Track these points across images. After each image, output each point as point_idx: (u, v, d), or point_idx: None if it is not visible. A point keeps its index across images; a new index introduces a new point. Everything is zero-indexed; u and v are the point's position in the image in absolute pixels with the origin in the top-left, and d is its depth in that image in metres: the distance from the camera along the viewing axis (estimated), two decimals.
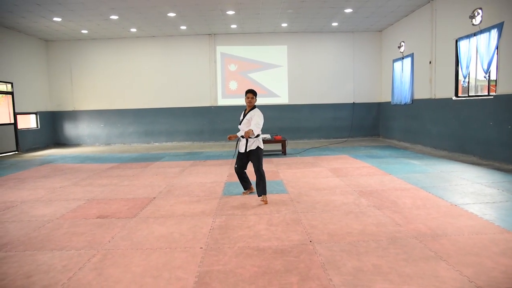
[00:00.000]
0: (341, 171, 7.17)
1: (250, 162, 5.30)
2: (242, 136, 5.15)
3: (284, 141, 9.94)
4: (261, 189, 5.08)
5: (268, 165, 7.97)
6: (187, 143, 13.85)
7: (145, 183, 6.59)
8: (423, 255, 3.20)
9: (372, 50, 13.92)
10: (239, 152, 5.34)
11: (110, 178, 7.15)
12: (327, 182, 6.28)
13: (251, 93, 5.23)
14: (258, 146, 5.17)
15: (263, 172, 5.13)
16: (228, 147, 12.13)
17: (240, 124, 5.29)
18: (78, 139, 14.10)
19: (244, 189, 5.60)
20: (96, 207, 5.09)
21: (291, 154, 9.97)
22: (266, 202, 5.06)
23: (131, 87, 13.88)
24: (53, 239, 3.84)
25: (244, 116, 5.29)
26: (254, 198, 5.33)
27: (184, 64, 13.82)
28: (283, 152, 9.94)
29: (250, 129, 4.93)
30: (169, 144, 13.85)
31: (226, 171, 7.61)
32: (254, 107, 5.26)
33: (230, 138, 5.34)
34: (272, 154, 10.00)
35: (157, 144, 13.92)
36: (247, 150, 5.18)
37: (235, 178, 6.58)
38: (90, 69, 13.83)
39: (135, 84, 13.87)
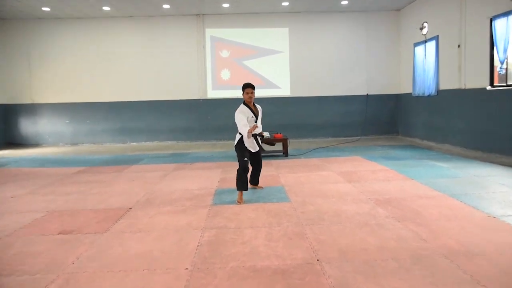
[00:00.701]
0: (353, 176, 7.19)
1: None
2: (262, 135, 5.96)
3: (286, 140, 9.96)
4: (257, 179, 6.33)
5: (267, 168, 7.97)
6: (170, 143, 13.81)
7: (120, 191, 6.58)
8: (456, 278, 3.15)
9: (389, 32, 13.93)
10: (248, 150, 5.85)
11: (76, 185, 7.11)
12: (336, 188, 6.29)
13: (251, 88, 5.72)
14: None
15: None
16: (219, 148, 12.10)
17: (256, 122, 5.78)
18: (37, 138, 13.99)
19: (246, 189, 5.77)
20: (57, 220, 5.03)
21: (294, 155, 9.99)
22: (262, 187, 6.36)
23: (103, 77, 13.79)
24: (0, 262, 3.75)
25: (254, 113, 5.80)
26: (250, 208, 5.32)
27: (167, 50, 13.76)
28: (285, 153, 9.96)
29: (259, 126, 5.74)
30: (149, 144, 13.81)
31: (217, 175, 7.60)
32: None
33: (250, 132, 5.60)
34: (271, 155, 10.00)
35: (134, 144, 13.87)
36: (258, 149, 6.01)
37: (228, 184, 6.69)
38: (53, 55, 13.72)
39: (108, 73, 13.79)
